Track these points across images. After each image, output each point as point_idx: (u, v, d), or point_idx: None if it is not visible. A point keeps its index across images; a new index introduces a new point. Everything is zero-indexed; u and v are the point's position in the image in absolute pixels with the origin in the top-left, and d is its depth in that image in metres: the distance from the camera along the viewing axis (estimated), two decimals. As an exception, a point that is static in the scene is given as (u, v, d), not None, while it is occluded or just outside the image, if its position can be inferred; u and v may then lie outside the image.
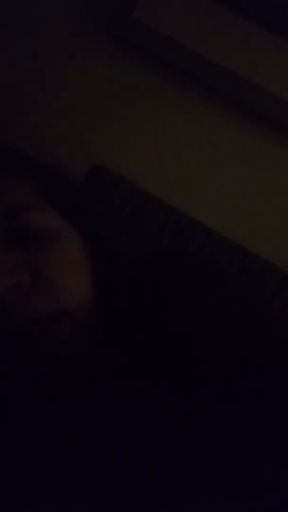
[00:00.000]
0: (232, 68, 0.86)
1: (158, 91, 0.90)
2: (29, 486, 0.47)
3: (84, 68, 0.91)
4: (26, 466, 0.48)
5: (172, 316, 0.57)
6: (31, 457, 0.48)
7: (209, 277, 0.62)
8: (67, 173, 0.69)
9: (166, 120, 0.91)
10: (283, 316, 0.62)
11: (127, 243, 0.80)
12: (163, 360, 0.54)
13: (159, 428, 0.50)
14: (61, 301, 0.56)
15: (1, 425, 0.49)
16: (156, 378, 0.52)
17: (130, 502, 0.46)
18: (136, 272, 0.63)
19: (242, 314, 0.57)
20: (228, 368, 0.53)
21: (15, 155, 0.67)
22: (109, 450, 0.48)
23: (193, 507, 0.46)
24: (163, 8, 0.86)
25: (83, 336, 0.57)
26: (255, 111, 0.89)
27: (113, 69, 0.91)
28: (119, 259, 0.67)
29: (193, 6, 0.86)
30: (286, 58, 0.87)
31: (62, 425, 0.49)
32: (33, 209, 0.59)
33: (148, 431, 0.49)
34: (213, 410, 0.50)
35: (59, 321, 0.55)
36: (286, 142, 0.90)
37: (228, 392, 0.51)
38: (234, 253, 0.82)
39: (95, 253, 0.63)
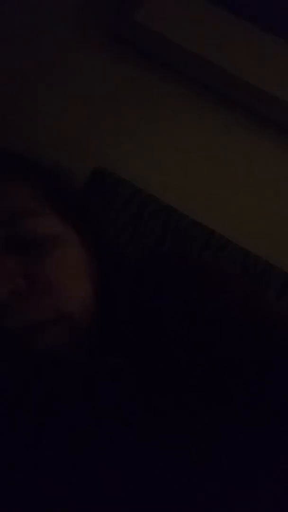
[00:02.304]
0: (233, 70, 0.86)
1: (159, 93, 0.90)
2: (28, 489, 0.47)
3: (85, 71, 0.91)
4: (25, 469, 0.48)
5: (174, 319, 0.57)
6: (29, 460, 0.48)
7: (211, 280, 0.61)
8: (69, 176, 0.69)
9: (167, 122, 0.91)
10: (285, 319, 0.62)
11: (128, 245, 0.80)
12: (163, 364, 0.54)
13: (158, 432, 0.50)
14: (59, 306, 0.56)
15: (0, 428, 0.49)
16: (156, 382, 0.52)
17: (129, 505, 0.46)
18: (138, 275, 0.63)
19: (245, 317, 0.57)
20: (230, 371, 0.53)
21: (16, 159, 0.66)
22: (107, 453, 0.48)
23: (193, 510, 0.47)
24: (165, 11, 0.86)
25: (82, 340, 0.57)
26: (258, 113, 0.89)
27: (114, 71, 0.91)
28: (121, 262, 0.67)
29: (194, 8, 0.86)
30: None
31: (60, 430, 0.49)
32: (33, 215, 0.59)
33: (147, 435, 0.49)
34: (214, 413, 0.50)
35: (57, 325, 0.55)
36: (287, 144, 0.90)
37: (230, 395, 0.51)
38: (235, 255, 0.82)
39: (97, 257, 0.63)
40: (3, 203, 0.59)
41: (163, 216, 0.82)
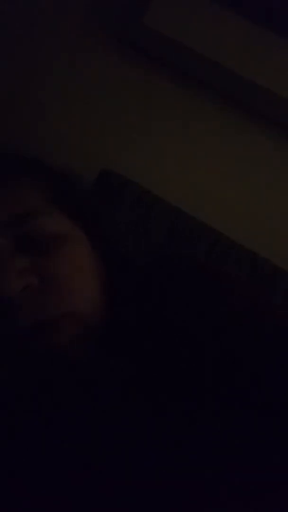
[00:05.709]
0: (240, 72, 0.86)
1: (166, 94, 0.91)
2: (28, 488, 0.47)
3: (92, 72, 0.92)
4: (25, 468, 0.48)
5: (178, 322, 0.57)
6: (29, 460, 0.48)
7: (217, 283, 0.61)
8: (76, 177, 0.69)
9: (174, 123, 0.91)
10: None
11: (135, 246, 0.80)
12: (169, 368, 0.54)
13: (159, 433, 0.50)
14: (69, 304, 0.56)
15: (3, 426, 0.49)
16: (159, 384, 0.52)
17: (129, 505, 0.46)
18: (144, 277, 0.64)
19: (249, 320, 0.56)
20: (233, 374, 0.53)
21: (24, 161, 0.67)
22: (108, 453, 0.48)
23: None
24: (173, 14, 0.86)
25: (90, 339, 0.57)
26: (268, 116, 0.89)
27: (121, 73, 0.91)
28: (128, 263, 0.67)
29: (203, 11, 0.86)
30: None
31: (61, 429, 0.49)
32: (42, 214, 0.59)
33: (148, 436, 0.49)
34: (218, 419, 0.50)
35: (66, 323, 0.56)
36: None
37: (233, 397, 0.51)
38: (243, 257, 0.82)
39: (104, 258, 0.63)
40: (12, 204, 0.59)
41: (170, 217, 0.82)
